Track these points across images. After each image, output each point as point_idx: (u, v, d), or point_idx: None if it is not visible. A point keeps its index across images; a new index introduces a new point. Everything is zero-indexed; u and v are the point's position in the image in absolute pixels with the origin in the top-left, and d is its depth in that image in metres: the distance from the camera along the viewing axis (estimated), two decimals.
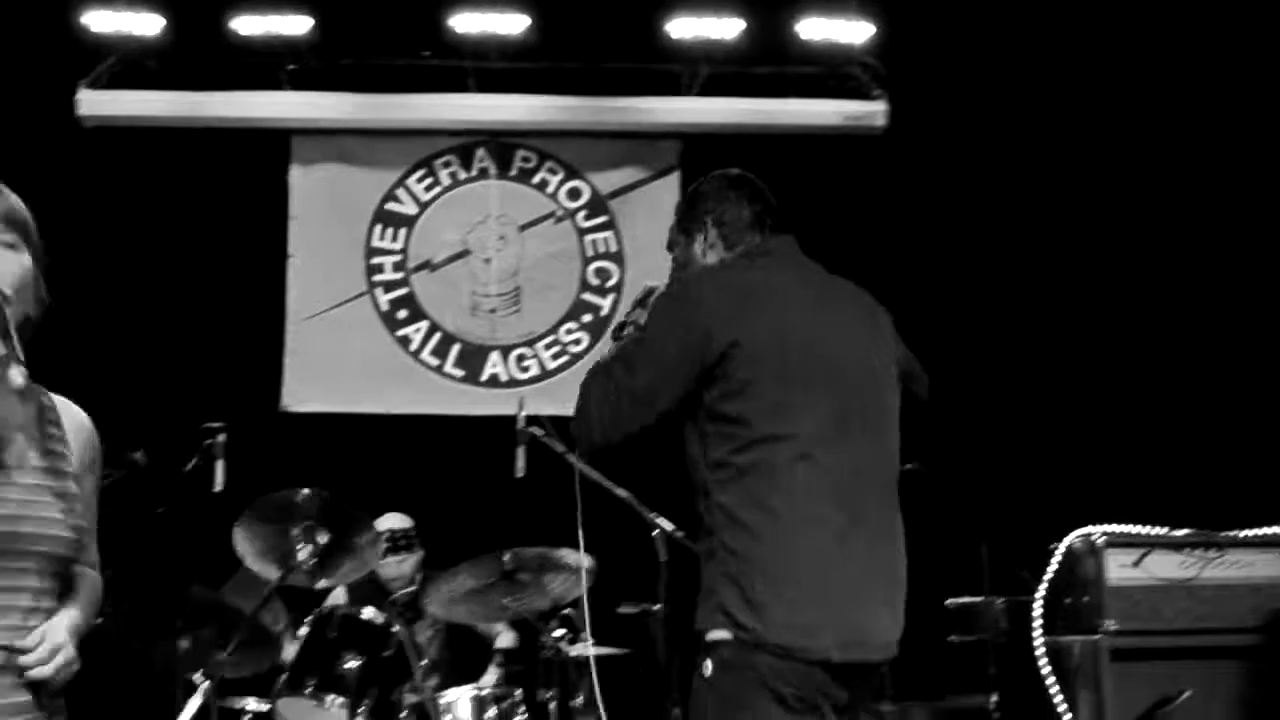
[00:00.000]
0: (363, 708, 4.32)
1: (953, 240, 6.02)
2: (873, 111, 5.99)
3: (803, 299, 2.90)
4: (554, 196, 6.28)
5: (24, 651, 2.06)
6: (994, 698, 4.71)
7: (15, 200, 2.20)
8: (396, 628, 4.49)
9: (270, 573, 4.41)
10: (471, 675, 5.14)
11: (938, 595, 5.11)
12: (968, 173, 6.02)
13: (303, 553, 4.40)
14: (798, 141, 6.05)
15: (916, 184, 6.07)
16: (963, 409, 5.72)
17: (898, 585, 2.89)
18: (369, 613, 4.53)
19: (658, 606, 4.38)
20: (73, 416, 2.24)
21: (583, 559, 4.48)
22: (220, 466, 4.42)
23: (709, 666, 2.64)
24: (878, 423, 2.91)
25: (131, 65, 5.81)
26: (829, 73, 6.06)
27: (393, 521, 5.27)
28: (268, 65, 5.88)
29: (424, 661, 4.69)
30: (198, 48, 5.77)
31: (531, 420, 4.58)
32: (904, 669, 5.17)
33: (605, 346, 3.17)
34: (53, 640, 2.10)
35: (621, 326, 3.18)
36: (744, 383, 2.68)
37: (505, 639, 5.29)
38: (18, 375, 2.06)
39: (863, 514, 2.75)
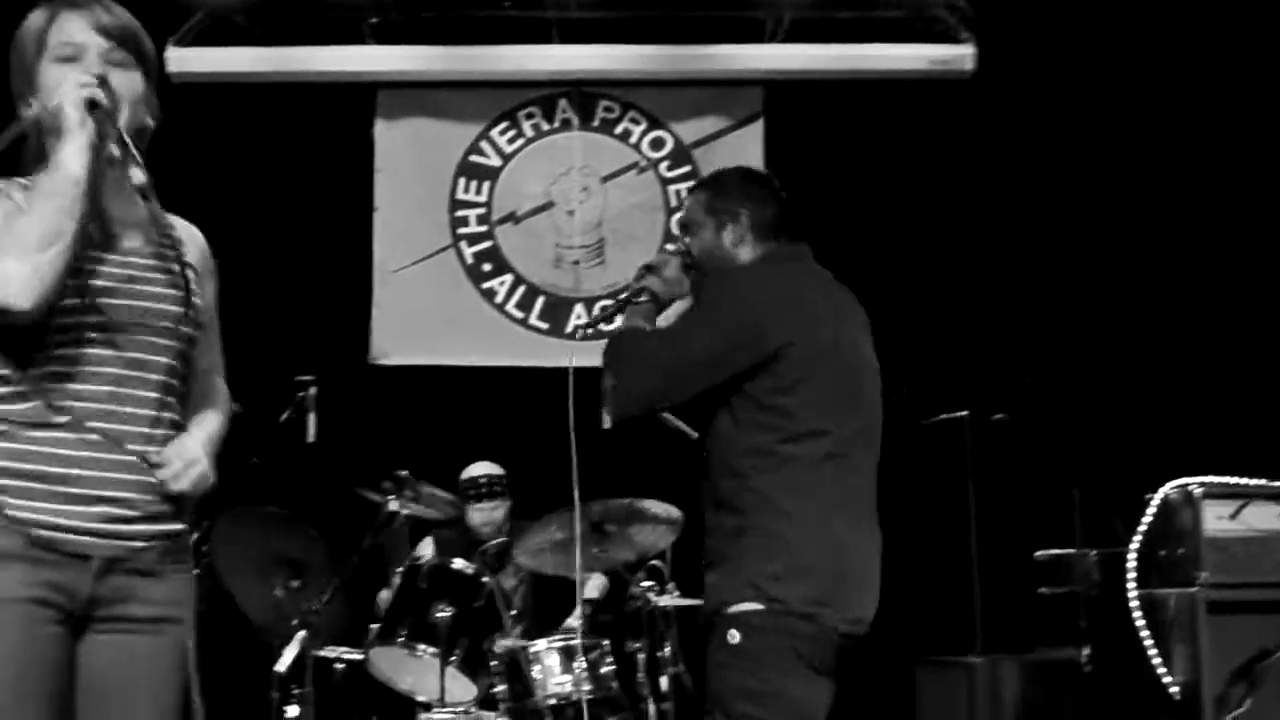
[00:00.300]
0: (454, 657, 4.38)
1: (1045, 186, 5.90)
2: (961, 55, 5.86)
3: (828, 308, 3.10)
4: (637, 147, 6.24)
5: (158, 466, 2.15)
6: (1085, 651, 4.66)
7: (127, 19, 2.30)
8: (487, 578, 4.54)
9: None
10: (557, 625, 5.19)
11: (1027, 547, 5.07)
12: (1060, 117, 5.88)
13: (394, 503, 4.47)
14: (883, 87, 5.94)
15: (1007, 129, 5.94)
16: (1054, 354, 5.65)
17: (878, 579, 3.15)
18: (459, 563, 4.58)
19: None
20: (187, 228, 2.46)
21: (668, 509, 4.51)
22: (312, 419, 4.48)
23: (735, 635, 2.85)
24: (877, 436, 3.16)
25: (219, 22, 5.85)
26: (915, 16, 5.93)
27: (483, 468, 5.34)
28: (352, 19, 5.89)
29: (512, 611, 4.73)
30: (283, 3, 5.79)
31: None
32: (993, 621, 5.17)
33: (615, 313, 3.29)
34: (188, 454, 2.19)
35: (638, 292, 3.27)
36: (795, 381, 2.89)
37: (593, 588, 5.32)
38: (139, 173, 2.13)
39: (862, 514, 3.08)
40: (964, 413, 5.31)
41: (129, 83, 2.24)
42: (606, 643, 4.79)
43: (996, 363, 5.71)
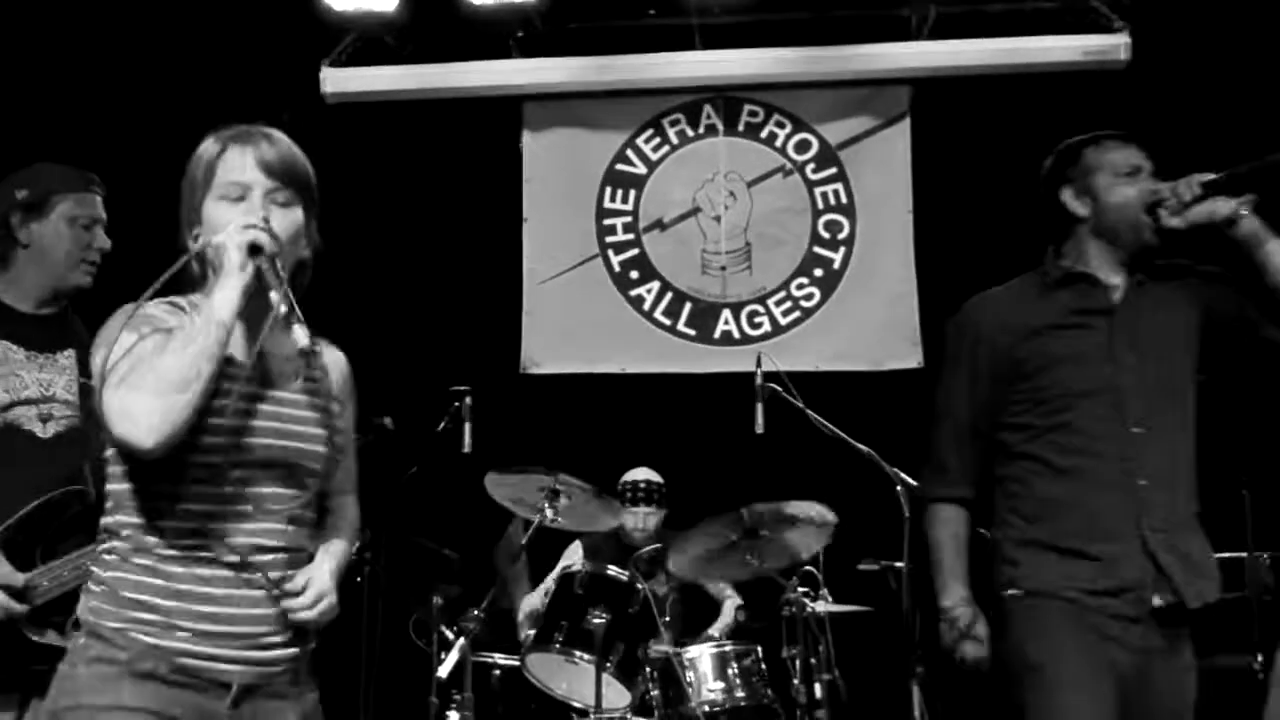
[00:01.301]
0: (609, 663, 4.41)
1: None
2: (1115, 45, 5.70)
3: None
4: (782, 150, 6.22)
5: (292, 594, 2.21)
6: (1259, 658, 4.50)
7: (292, 154, 2.30)
8: (641, 584, 4.56)
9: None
10: (703, 630, 5.19)
11: None
12: (1219, 106, 5.69)
13: (548, 510, 4.52)
14: (1035, 81, 5.81)
15: (1163, 120, 5.75)
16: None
17: None
18: (614, 570, 4.61)
19: (900, 563, 4.33)
20: (332, 354, 2.48)
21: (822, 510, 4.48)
22: (468, 428, 4.56)
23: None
24: None
25: (369, 42, 5.99)
26: (1066, 6, 5.80)
27: (644, 474, 5.38)
28: (498, 34, 5.99)
29: (665, 618, 4.75)
30: (431, 21, 5.91)
31: (769, 376, 4.57)
32: None
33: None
34: (318, 587, 2.25)
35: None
36: None
37: (731, 605, 5.31)
38: (301, 335, 2.13)
39: None
40: None
41: (290, 220, 2.26)
42: (760, 649, 4.78)
43: None
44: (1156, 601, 2.79)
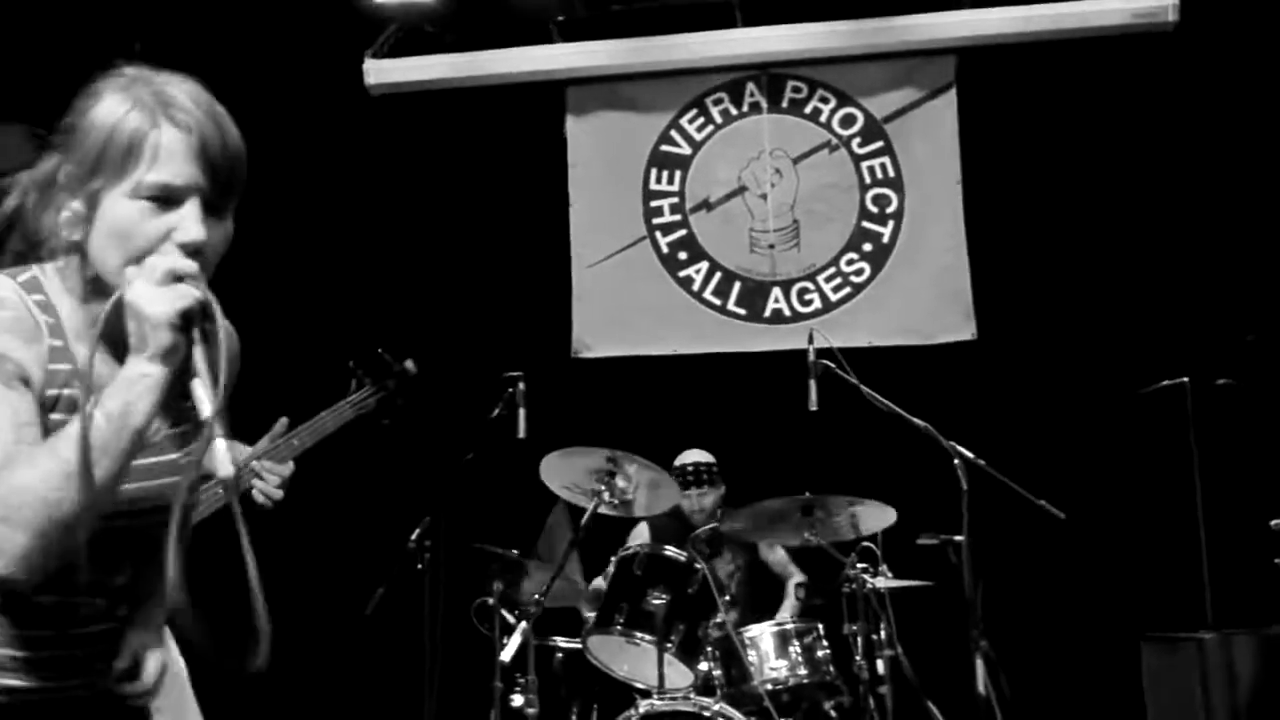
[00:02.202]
0: (670, 643, 4.41)
1: (1258, 138, 5.62)
2: (1163, 6, 5.61)
3: None
4: (827, 125, 6.17)
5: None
6: None
7: (238, 147, 1.73)
8: (700, 564, 4.56)
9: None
10: (770, 610, 5.19)
11: (1260, 516, 4.85)
12: (1270, 66, 5.59)
13: (606, 494, 4.53)
14: (1080, 45, 5.74)
15: (1214, 83, 5.68)
16: (1278, 311, 5.38)
17: None
18: (672, 550, 4.61)
19: (959, 537, 4.29)
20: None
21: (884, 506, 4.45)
22: (522, 414, 4.57)
23: None
24: None
25: (411, 32, 6.01)
26: None
27: (695, 456, 5.38)
28: (539, 19, 5.98)
29: (726, 597, 4.75)
30: (472, 8, 5.91)
31: (822, 353, 4.55)
32: (1225, 595, 4.96)
33: None
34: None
35: None
36: None
37: (792, 584, 5.31)
38: (207, 406, 1.56)
39: None
40: (1185, 378, 5.10)
41: (224, 234, 1.71)
42: (821, 626, 4.77)
43: (1216, 324, 5.47)
44: None
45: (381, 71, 6.01)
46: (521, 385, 4.60)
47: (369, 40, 5.99)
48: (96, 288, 1.70)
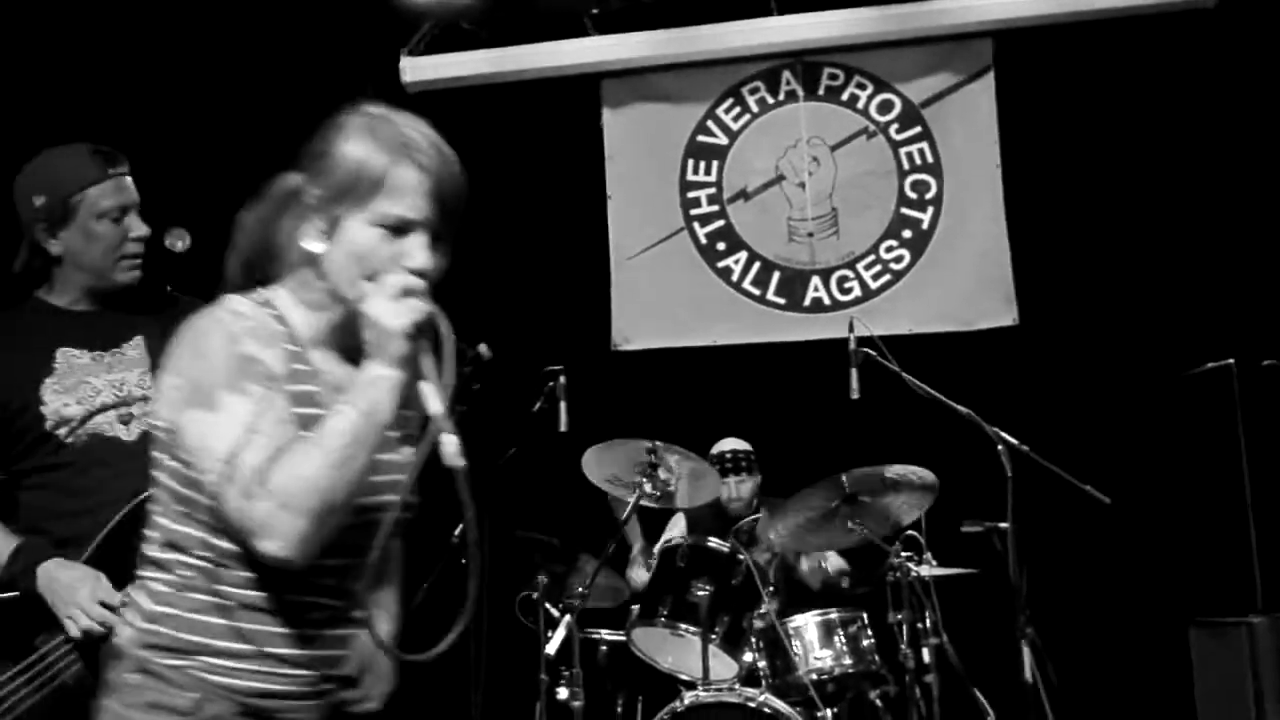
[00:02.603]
0: (715, 635, 4.42)
1: None
2: None
3: None
4: (865, 112, 6.14)
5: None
6: None
7: (463, 186, 1.96)
8: (743, 555, 4.56)
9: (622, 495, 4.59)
10: (810, 600, 5.17)
11: None
12: None
13: (647, 485, 4.54)
14: (1119, 25, 5.68)
15: (1255, 63, 5.61)
16: None
17: None
18: (715, 541, 4.62)
19: (1004, 524, 4.27)
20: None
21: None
22: (563, 408, 4.58)
23: None
24: None
25: (446, 29, 6.02)
26: None
27: (730, 444, 5.38)
28: (574, 12, 5.99)
29: (769, 587, 4.75)
30: (506, 4, 5.92)
31: (862, 341, 4.54)
32: (1275, 578, 4.91)
33: None
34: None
35: None
36: None
37: (834, 563, 5.28)
38: (452, 450, 1.80)
39: None
40: (1230, 360, 5.06)
41: (439, 263, 1.93)
42: (865, 615, 4.76)
43: (1262, 305, 5.42)
44: None
45: (418, 69, 6.03)
46: (562, 379, 4.62)
47: (405, 38, 6.01)
48: (327, 299, 1.95)
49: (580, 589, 4.34)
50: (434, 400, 1.81)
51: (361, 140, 1.91)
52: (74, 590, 2.73)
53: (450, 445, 1.79)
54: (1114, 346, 5.66)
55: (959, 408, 4.33)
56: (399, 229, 1.88)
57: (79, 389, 2.87)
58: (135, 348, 2.94)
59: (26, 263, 2.95)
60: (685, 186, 6.23)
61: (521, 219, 6.12)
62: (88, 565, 2.78)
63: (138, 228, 2.93)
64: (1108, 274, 5.73)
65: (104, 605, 2.72)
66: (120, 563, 2.75)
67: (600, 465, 4.67)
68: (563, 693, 4.40)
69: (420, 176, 1.89)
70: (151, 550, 1.99)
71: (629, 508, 4.59)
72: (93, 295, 2.95)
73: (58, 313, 2.95)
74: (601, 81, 6.22)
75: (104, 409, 2.87)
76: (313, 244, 1.92)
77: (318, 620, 1.96)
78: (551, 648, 4.28)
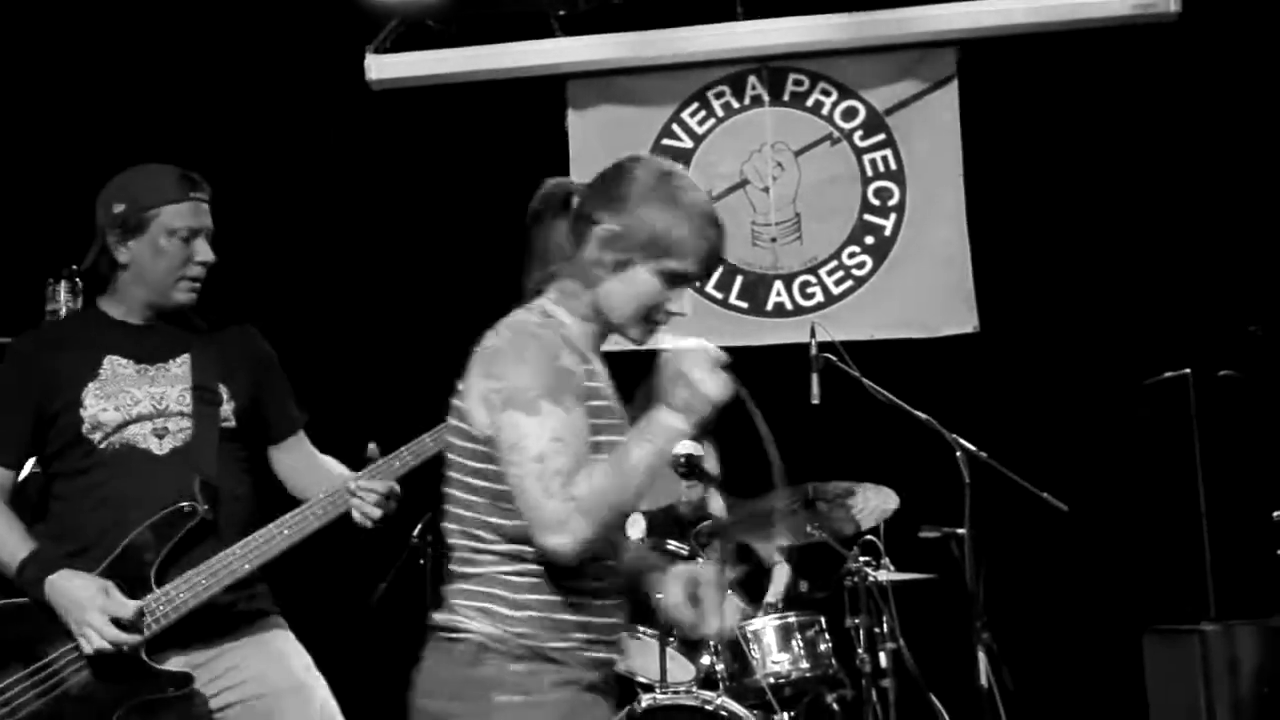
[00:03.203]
0: (672, 638, 4.42)
1: (1260, 131, 5.61)
2: None
3: None
4: (829, 118, 6.16)
5: None
6: None
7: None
8: (702, 558, 4.56)
9: None
10: (759, 595, 5.17)
11: (1262, 507, 4.86)
12: (1273, 60, 5.58)
13: None
14: (1082, 37, 5.72)
15: (1215, 74, 5.67)
16: None
17: None
18: (674, 544, 4.62)
19: (962, 530, 4.30)
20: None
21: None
22: None
23: None
24: None
25: (412, 27, 6.00)
26: None
27: (685, 448, 5.35)
28: (540, 13, 5.98)
29: (727, 590, 4.75)
30: (473, 3, 5.90)
31: (824, 346, 4.56)
32: (1227, 586, 4.96)
33: None
34: None
35: None
36: None
37: (782, 570, 5.28)
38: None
39: None
40: (1187, 370, 5.11)
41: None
42: (823, 619, 4.77)
43: (1219, 315, 5.47)
44: None
45: (383, 67, 5.99)
46: None
47: (370, 35, 5.98)
48: (593, 314, 2.32)
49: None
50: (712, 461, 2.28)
51: (667, 208, 2.25)
52: (84, 607, 2.76)
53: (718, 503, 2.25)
54: (1073, 355, 5.70)
55: (918, 414, 4.35)
56: (673, 281, 2.26)
57: (119, 396, 2.94)
58: (180, 365, 3.02)
59: (94, 263, 3.04)
60: None
61: (486, 219, 6.10)
62: (102, 574, 2.82)
63: (204, 253, 3.03)
64: (1068, 283, 5.77)
65: (115, 620, 2.76)
66: (135, 573, 2.84)
67: None
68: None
69: (707, 247, 2.27)
70: (493, 546, 2.20)
71: None
72: (148, 310, 3.04)
73: (112, 323, 3.03)
74: (567, 83, 6.21)
75: (139, 419, 2.94)
76: (600, 271, 2.28)
77: (614, 603, 2.27)
78: None
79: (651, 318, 2.30)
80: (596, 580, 2.21)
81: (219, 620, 2.93)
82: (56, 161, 5.53)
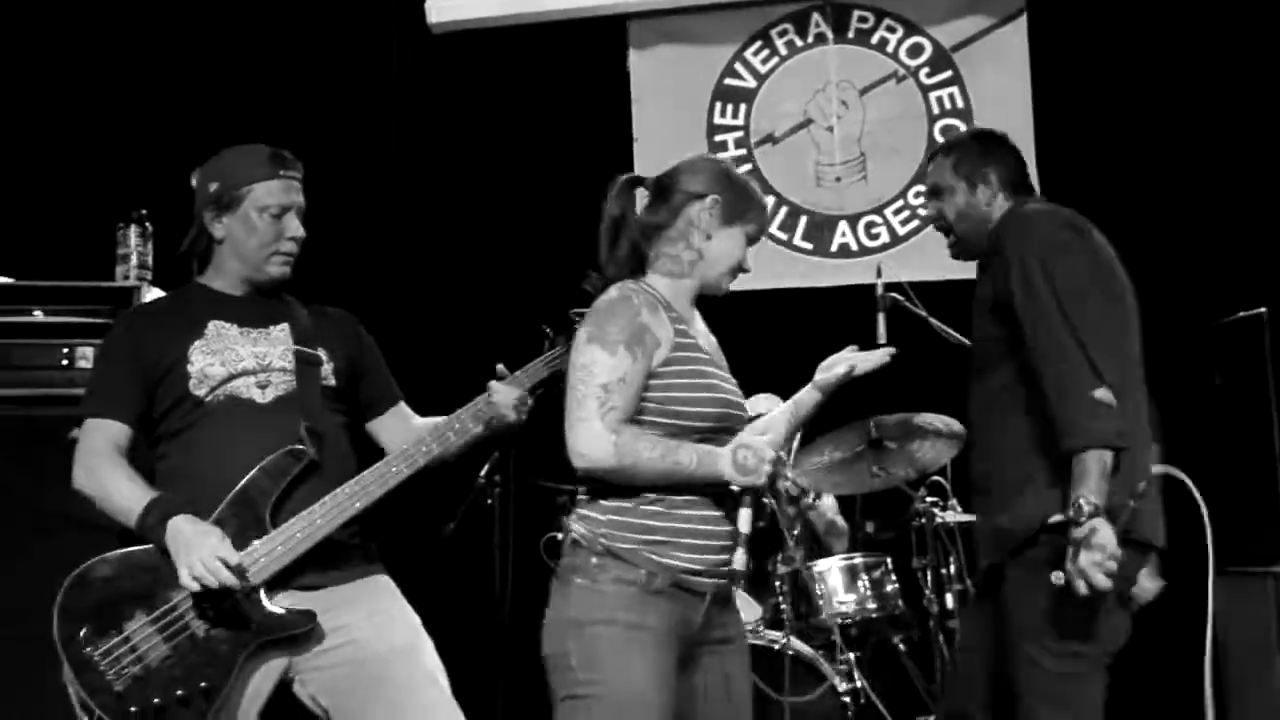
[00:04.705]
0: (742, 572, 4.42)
1: None
2: None
3: None
4: (894, 55, 6.07)
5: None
6: None
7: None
8: (767, 499, 4.55)
9: None
10: (826, 547, 5.17)
11: None
12: None
13: None
14: None
15: None
16: None
17: None
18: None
19: None
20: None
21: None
22: None
23: None
24: None
25: None
26: None
27: (761, 405, 5.32)
28: None
29: (794, 531, 4.75)
30: None
31: (890, 287, 4.51)
32: None
33: None
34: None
35: None
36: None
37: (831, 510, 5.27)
38: (739, 561, 2.75)
39: None
40: (1262, 309, 5.01)
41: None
42: (889, 560, 4.76)
43: None
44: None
45: (443, 9, 5.97)
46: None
47: None
48: (689, 272, 2.90)
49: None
50: (744, 523, 2.71)
51: (739, 178, 2.98)
52: (195, 545, 2.83)
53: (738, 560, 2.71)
54: (1144, 294, 5.57)
55: None
56: (752, 241, 2.92)
57: (224, 353, 3.05)
58: (281, 330, 3.14)
59: (193, 241, 3.17)
60: (712, 130, 6.18)
61: (546, 161, 6.09)
62: (219, 518, 2.91)
63: (294, 228, 3.16)
64: (1139, 221, 5.66)
65: (224, 562, 2.83)
66: (252, 515, 2.93)
67: None
68: None
69: (765, 212, 3.04)
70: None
71: None
72: (246, 285, 3.16)
73: (213, 294, 3.16)
74: (628, 23, 6.15)
75: (244, 374, 3.04)
76: (692, 254, 2.89)
77: (696, 512, 2.71)
78: None
79: (738, 271, 2.92)
80: (671, 490, 2.66)
81: (331, 558, 3.00)
82: (126, 109, 5.57)
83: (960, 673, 3.29)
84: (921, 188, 5.96)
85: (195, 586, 2.82)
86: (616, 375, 2.63)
